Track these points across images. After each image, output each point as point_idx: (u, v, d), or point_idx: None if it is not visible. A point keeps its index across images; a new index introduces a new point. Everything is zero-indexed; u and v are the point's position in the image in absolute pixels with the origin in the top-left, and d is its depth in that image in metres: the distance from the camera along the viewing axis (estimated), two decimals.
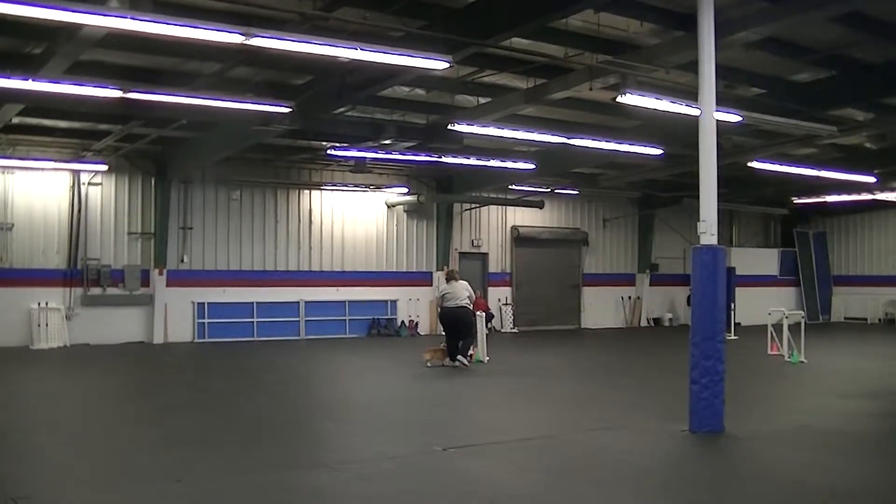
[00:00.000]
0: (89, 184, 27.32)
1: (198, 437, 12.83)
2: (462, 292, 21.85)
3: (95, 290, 27.32)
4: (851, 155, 29.89)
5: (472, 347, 21.91)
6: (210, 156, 26.58)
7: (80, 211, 27.13)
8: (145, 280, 28.13)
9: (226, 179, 29.12)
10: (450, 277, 22.53)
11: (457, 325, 21.73)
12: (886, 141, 25.87)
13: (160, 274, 28.17)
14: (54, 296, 26.63)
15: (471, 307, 21.88)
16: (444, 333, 22.27)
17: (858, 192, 34.41)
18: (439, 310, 22.28)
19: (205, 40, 13.28)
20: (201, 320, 28.85)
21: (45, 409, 15.65)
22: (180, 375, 21.40)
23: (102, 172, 27.25)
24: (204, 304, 28.93)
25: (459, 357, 21.44)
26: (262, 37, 13.26)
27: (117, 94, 17.14)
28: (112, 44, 16.32)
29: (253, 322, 29.70)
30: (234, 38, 13.16)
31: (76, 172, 27.01)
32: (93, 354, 24.53)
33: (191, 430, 13.32)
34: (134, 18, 12.17)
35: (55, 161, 26.02)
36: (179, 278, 28.52)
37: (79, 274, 27.11)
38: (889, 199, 36.48)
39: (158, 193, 28.18)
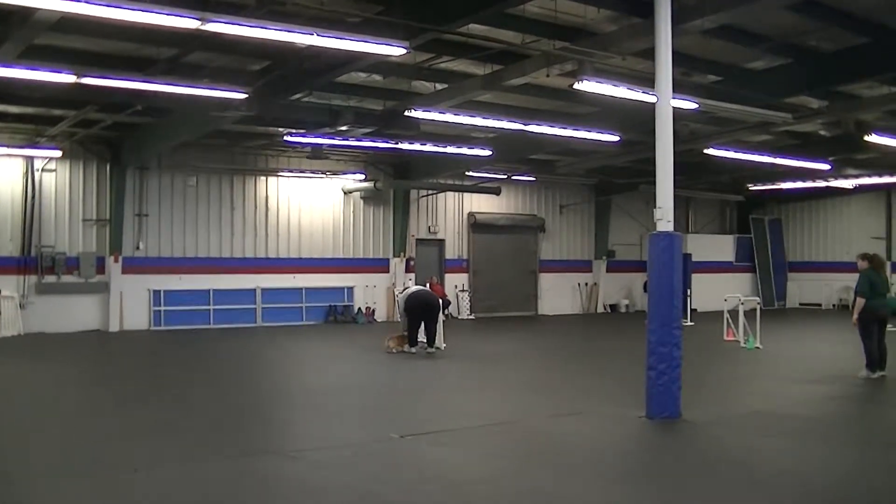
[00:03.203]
0: (43, 170, 27.07)
1: (154, 425, 12.74)
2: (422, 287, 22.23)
3: (50, 278, 27.10)
4: (806, 142, 30.14)
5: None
6: (166, 142, 26.41)
7: (33, 197, 26.88)
8: (101, 267, 27.93)
9: (182, 166, 28.93)
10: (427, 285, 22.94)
11: (422, 311, 21.95)
12: (840, 128, 26.03)
13: (116, 261, 27.96)
14: (8, 284, 26.36)
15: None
16: (403, 320, 22.32)
17: (813, 179, 34.75)
18: (404, 300, 22.28)
19: (161, 25, 13.18)
20: (157, 308, 28.68)
21: None
22: (136, 364, 21.25)
23: (56, 158, 27.00)
24: (160, 291, 28.77)
25: (428, 345, 21.83)
26: (219, 22, 13.19)
27: (71, 78, 17.00)
28: (66, 28, 16.17)
29: (209, 309, 29.55)
30: (190, 23, 13.09)
31: (29, 158, 26.74)
32: (48, 343, 24.33)
33: (147, 419, 13.22)
34: (88, 2, 12.06)
35: (8, 147, 25.70)
36: (135, 265, 28.33)
37: (33, 261, 26.87)
38: (843, 185, 36.80)
39: (114, 180, 27.95)
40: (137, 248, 28.53)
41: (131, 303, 28.19)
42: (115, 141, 27.48)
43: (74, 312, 27.36)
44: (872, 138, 23.99)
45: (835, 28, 17.88)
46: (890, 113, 25.01)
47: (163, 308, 28.78)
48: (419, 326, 21.86)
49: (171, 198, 29.22)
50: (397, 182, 33.17)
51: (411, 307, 21.92)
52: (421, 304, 21.90)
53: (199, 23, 13.02)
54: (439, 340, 22.25)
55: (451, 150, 27.01)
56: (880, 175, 33.56)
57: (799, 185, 36.21)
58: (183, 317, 28.93)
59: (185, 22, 13.05)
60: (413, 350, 21.55)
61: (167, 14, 12.72)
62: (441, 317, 22.79)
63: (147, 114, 23.77)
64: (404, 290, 23.09)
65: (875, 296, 17.38)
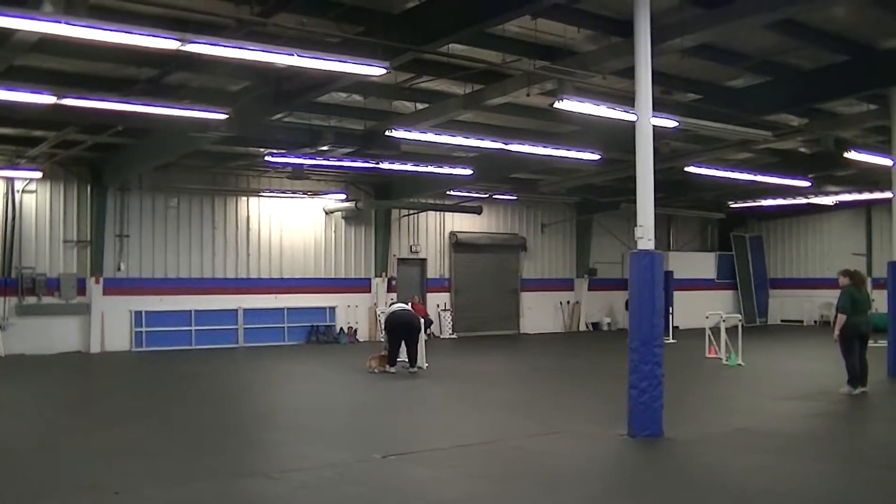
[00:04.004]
0: (23, 191, 27.02)
1: (136, 447, 12.70)
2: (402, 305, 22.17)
3: (30, 300, 27.00)
4: (786, 159, 30.26)
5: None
6: (147, 162, 26.35)
7: (13, 219, 26.82)
8: (81, 289, 27.84)
9: (163, 186, 28.87)
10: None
11: (401, 331, 21.92)
12: (820, 145, 26.14)
13: (97, 282, 27.88)
14: None
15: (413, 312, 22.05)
16: (385, 339, 22.31)
17: (793, 196, 34.84)
18: (385, 319, 22.28)
19: (141, 46, 13.16)
20: (139, 329, 28.59)
21: None
22: (118, 385, 21.21)
23: (37, 179, 26.95)
24: (141, 312, 28.67)
25: (409, 365, 21.86)
26: (199, 42, 13.16)
27: (51, 99, 16.92)
28: (46, 49, 16.12)
29: (191, 330, 29.46)
30: (170, 44, 13.05)
31: (9, 180, 26.70)
32: (29, 365, 24.21)
33: (129, 441, 13.18)
34: (68, 23, 12.02)
35: None
36: (116, 286, 28.25)
37: (13, 283, 26.79)
38: (823, 202, 36.95)
39: (94, 201, 27.90)
40: (118, 269, 28.45)
41: (112, 324, 28.08)
42: (95, 162, 27.41)
43: (55, 334, 27.25)
44: (851, 155, 24.06)
45: (814, 46, 17.99)
46: (868, 130, 25.17)
47: (144, 329, 28.68)
48: (399, 346, 21.81)
49: (152, 218, 29.15)
50: (378, 202, 33.15)
51: (392, 327, 21.91)
52: (401, 323, 21.88)
53: (179, 44, 12.99)
54: (421, 360, 22.23)
55: (432, 169, 26.99)
56: (860, 191, 33.67)
57: (780, 202, 36.31)
58: (164, 338, 28.81)
59: (164, 43, 13.01)
60: (393, 370, 21.53)
61: (147, 35, 12.69)
62: (423, 336, 22.79)
63: (127, 134, 23.73)
64: (388, 307, 23.04)
65: (856, 312, 17.46)
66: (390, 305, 23.10)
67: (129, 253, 28.74)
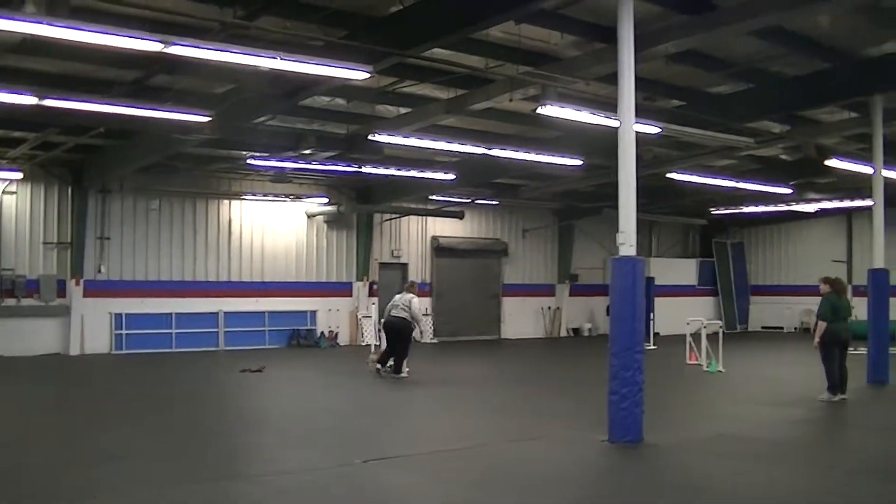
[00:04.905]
0: (4, 192, 26.90)
1: (116, 451, 12.61)
2: (399, 302, 22.06)
3: (10, 301, 26.85)
4: (768, 166, 30.36)
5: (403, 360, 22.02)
6: (129, 165, 26.24)
7: None
8: (62, 291, 27.73)
9: (144, 189, 28.77)
10: (404, 289, 22.64)
11: (391, 335, 22.05)
12: (801, 153, 26.24)
13: (77, 284, 27.77)
14: None
15: (406, 318, 21.87)
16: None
17: (775, 203, 34.97)
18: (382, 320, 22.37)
19: (123, 48, 13.12)
20: (119, 331, 28.48)
21: None
22: (97, 388, 21.12)
23: (17, 181, 26.81)
24: (122, 315, 28.56)
25: (382, 367, 21.78)
26: (181, 45, 13.15)
27: (33, 100, 16.85)
28: (28, 50, 16.11)
29: (171, 333, 29.37)
30: (153, 46, 13.02)
31: None
32: (7, 367, 24.04)
33: (108, 445, 13.10)
34: (51, 24, 11.98)
35: None
36: (97, 289, 28.16)
37: None
38: (804, 209, 37.06)
39: (75, 203, 27.80)
40: (99, 271, 28.34)
41: (92, 326, 27.98)
42: (76, 163, 27.30)
43: (34, 336, 27.11)
44: (833, 163, 24.17)
45: (797, 54, 18.07)
46: (850, 138, 25.26)
47: (124, 332, 28.57)
48: (393, 348, 21.94)
49: (133, 221, 29.06)
50: (360, 206, 33.15)
51: (384, 327, 22.09)
52: (389, 326, 22.03)
53: (162, 46, 12.97)
54: (402, 366, 22.20)
55: (414, 174, 27.02)
56: (841, 199, 33.77)
57: (761, 209, 36.47)
58: (145, 341, 28.71)
59: (147, 45, 12.99)
60: (381, 372, 21.60)
61: (130, 37, 12.66)
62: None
63: (109, 136, 23.66)
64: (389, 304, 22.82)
65: (837, 319, 17.52)
66: (390, 302, 22.76)
67: (110, 255, 28.64)
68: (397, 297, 22.42)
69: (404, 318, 21.74)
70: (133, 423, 15.14)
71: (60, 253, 27.89)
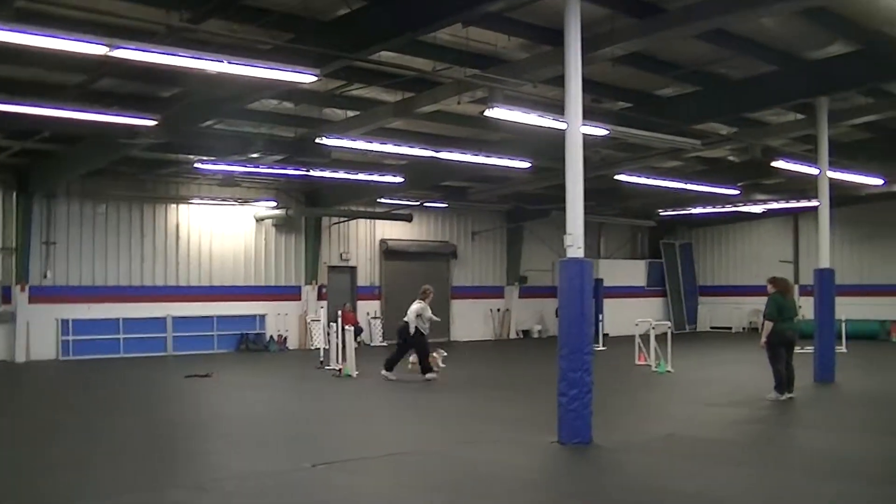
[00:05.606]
0: None
1: (64, 460, 12.49)
2: (410, 308, 22.21)
3: None
4: (715, 168, 30.61)
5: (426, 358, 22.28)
6: (75, 169, 26.05)
7: None
8: (7, 297, 27.46)
9: (91, 193, 28.53)
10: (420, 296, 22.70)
11: (399, 341, 22.36)
12: (748, 154, 26.44)
13: (22, 290, 27.47)
14: None
15: (412, 324, 21.92)
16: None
17: (722, 205, 35.25)
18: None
19: (68, 51, 13.01)
20: (66, 337, 28.21)
21: None
22: (44, 395, 20.88)
23: None
24: (68, 321, 28.28)
25: (428, 374, 22.00)
26: (127, 48, 13.06)
27: None
28: None
29: (119, 338, 29.14)
30: (98, 49, 12.93)
31: None
32: None
33: (56, 453, 12.95)
34: None
35: None
36: (43, 295, 27.87)
37: None
38: (751, 210, 37.39)
39: (20, 207, 27.48)
40: (45, 276, 28.07)
41: (38, 333, 27.68)
42: (22, 168, 27.00)
43: None
44: (779, 164, 24.38)
45: (743, 56, 18.21)
46: (795, 139, 25.49)
47: (71, 338, 28.30)
48: (403, 352, 22.27)
49: (80, 226, 28.79)
50: (309, 209, 33.07)
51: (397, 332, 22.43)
52: (398, 332, 22.44)
53: (107, 49, 12.88)
54: (351, 367, 22.18)
55: (362, 177, 26.99)
56: (787, 200, 34.11)
57: (709, 210, 36.77)
58: (92, 346, 28.43)
59: (92, 48, 12.90)
60: (393, 377, 21.81)
61: (74, 40, 12.58)
62: (352, 344, 22.73)
63: (55, 141, 23.48)
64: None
65: (783, 319, 17.64)
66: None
67: (56, 260, 28.35)
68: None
69: (407, 324, 21.89)
70: (78, 431, 14.98)
71: (5, 258, 27.60)
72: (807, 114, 22.00)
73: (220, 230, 31.66)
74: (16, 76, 18.53)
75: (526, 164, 24.75)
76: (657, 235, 44.54)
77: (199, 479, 11.19)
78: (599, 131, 19.35)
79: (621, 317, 35.26)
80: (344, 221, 34.48)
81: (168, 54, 13.54)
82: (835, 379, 20.63)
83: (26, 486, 10.70)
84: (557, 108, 15.71)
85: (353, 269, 35.22)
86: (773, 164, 24.44)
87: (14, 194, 27.58)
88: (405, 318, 21.99)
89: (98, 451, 13.12)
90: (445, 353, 23.95)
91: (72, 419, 16.38)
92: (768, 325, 17.63)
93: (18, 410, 17.97)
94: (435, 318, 22.67)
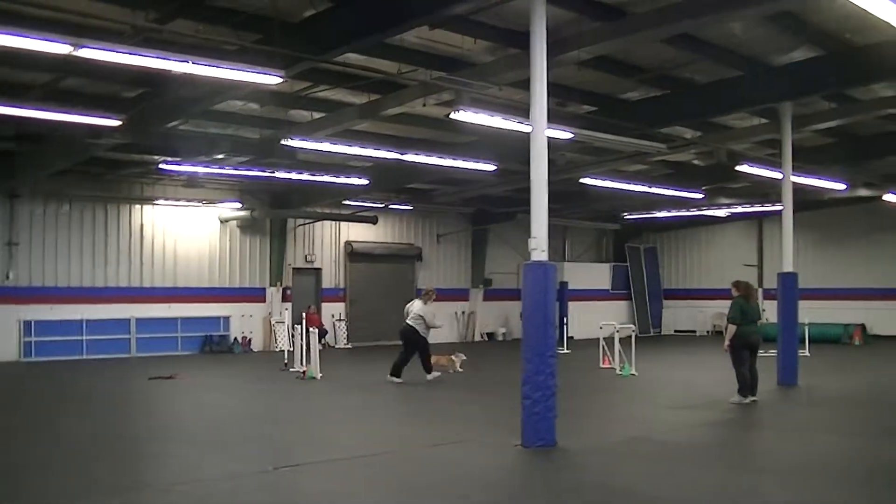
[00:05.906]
0: None
1: (20, 462, 12.38)
2: (409, 309, 22.26)
3: None
4: (679, 172, 30.71)
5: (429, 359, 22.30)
6: (39, 169, 25.87)
7: None
8: None
9: (55, 193, 28.36)
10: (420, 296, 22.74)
11: (403, 344, 22.16)
12: (713, 158, 26.56)
13: None
14: None
15: (416, 326, 21.82)
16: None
17: (687, 208, 35.39)
18: None
19: (32, 50, 12.93)
20: (28, 339, 28.04)
21: None
22: (4, 397, 20.69)
23: None
24: (31, 322, 28.11)
25: (429, 375, 22.06)
26: (91, 48, 12.99)
27: None
28: None
29: (82, 340, 28.97)
30: (63, 49, 12.86)
31: None
32: None
33: (14, 456, 12.85)
34: None
35: None
36: (5, 295, 27.70)
37: None
38: (716, 214, 37.57)
39: None
40: (7, 277, 27.90)
41: (0, 334, 27.51)
42: None
43: None
44: (743, 168, 24.48)
45: (709, 60, 18.27)
46: (760, 143, 25.60)
47: (33, 339, 28.13)
48: (408, 356, 22.04)
49: (42, 226, 28.63)
50: (274, 211, 32.99)
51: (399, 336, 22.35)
52: (401, 335, 22.23)
53: (71, 48, 12.81)
54: (315, 370, 22.14)
55: (328, 178, 26.95)
56: (751, 204, 34.35)
57: (674, 213, 36.91)
58: (55, 348, 28.28)
59: (56, 47, 12.82)
60: (391, 379, 21.68)
61: (38, 39, 12.50)
62: (317, 346, 22.72)
63: (19, 140, 23.32)
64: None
65: (746, 323, 17.72)
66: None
67: (19, 261, 28.19)
68: (408, 305, 22.63)
69: (412, 327, 21.79)
70: (39, 433, 14.89)
71: None
72: (770, 118, 22.11)
73: (184, 231, 31.55)
74: None
75: (491, 167, 24.81)
76: (622, 239, 44.71)
77: (160, 482, 11.12)
78: (565, 134, 19.37)
79: (586, 320, 35.39)
80: (309, 223, 34.45)
81: (133, 54, 13.47)
82: (798, 382, 20.75)
83: None
84: (523, 111, 15.74)
85: (317, 271, 35.20)
86: (738, 168, 24.53)
87: None
88: (407, 321, 21.87)
89: (60, 454, 13.03)
90: (465, 357, 23.90)
91: (33, 422, 16.28)
92: (732, 328, 17.72)
93: None
94: (437, 325, 22.66)
